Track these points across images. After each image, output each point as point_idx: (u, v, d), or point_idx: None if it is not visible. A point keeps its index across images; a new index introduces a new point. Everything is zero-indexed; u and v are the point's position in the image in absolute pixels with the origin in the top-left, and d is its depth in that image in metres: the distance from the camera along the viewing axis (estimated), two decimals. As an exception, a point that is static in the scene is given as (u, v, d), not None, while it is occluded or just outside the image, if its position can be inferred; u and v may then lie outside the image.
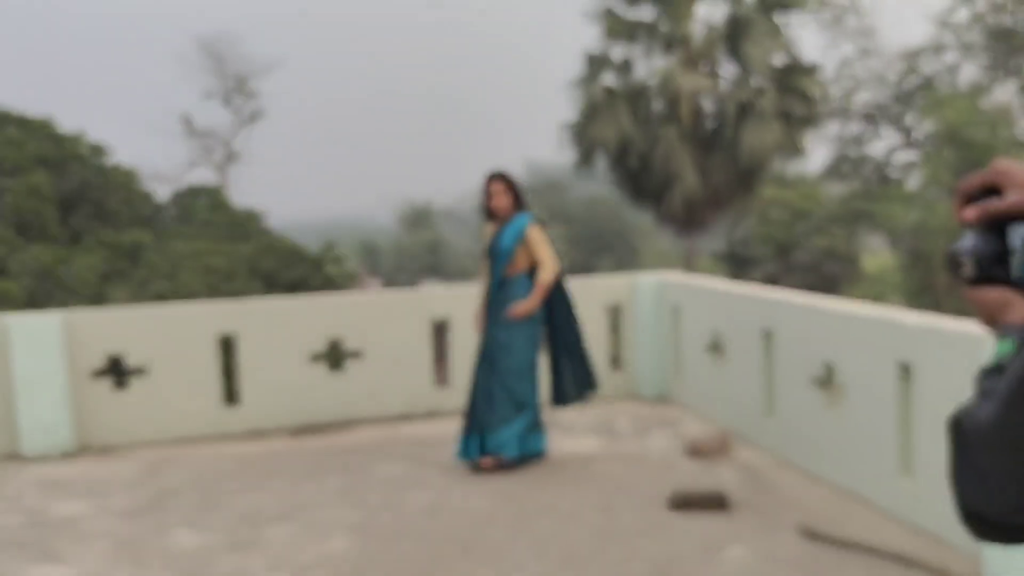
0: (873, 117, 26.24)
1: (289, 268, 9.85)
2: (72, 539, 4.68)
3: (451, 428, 6.04)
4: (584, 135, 16.54)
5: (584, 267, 38.65)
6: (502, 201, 5.56)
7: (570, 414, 6.91)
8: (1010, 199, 1.09)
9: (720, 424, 6.29)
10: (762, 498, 4.86)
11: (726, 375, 6.23)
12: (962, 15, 24.34)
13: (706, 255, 24.44)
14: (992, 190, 1.13)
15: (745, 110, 15.97)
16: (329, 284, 9.96)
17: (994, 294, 1.12)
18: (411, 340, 6.80)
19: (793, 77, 16.69)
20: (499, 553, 4.27)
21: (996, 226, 1.12)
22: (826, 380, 5.09)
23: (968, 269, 1.14)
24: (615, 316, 7.66)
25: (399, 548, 4.39)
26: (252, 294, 8.49)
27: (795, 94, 16.64)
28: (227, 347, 6.76)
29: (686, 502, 4.68)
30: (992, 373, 1.04)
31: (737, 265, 27.24)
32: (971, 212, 1.13)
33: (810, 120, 17.11)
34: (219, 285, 8.15)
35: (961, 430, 1.02)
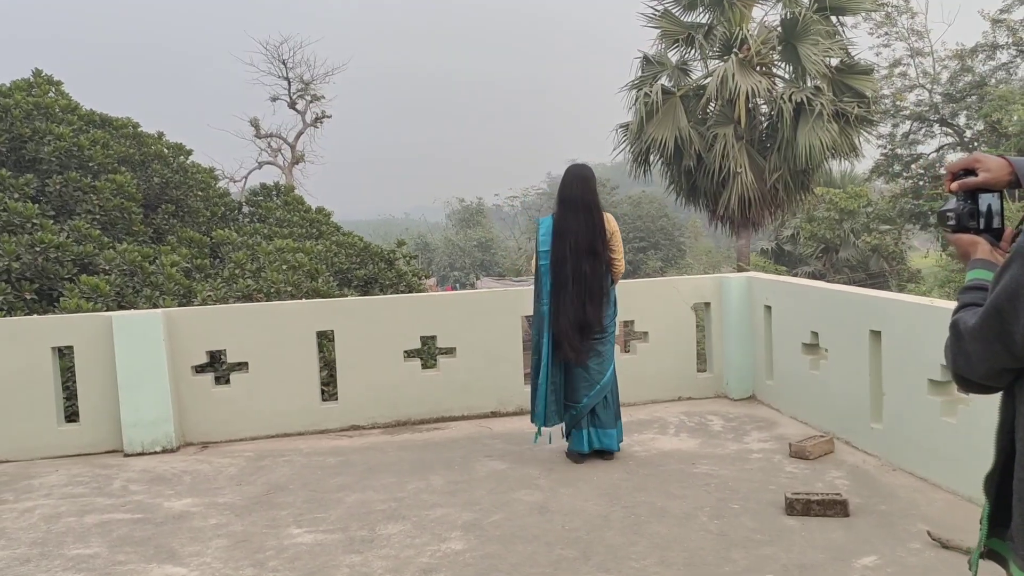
0: (924, 116, 25.87)
1: (361, 265, 9.91)
2: (188, 537, 4.67)
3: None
4: (640, 135, 16.44)
5: (632, 263, 38.65)
6: None
7: (660, 411, 6.90)
8: (980, 177, 1.84)
9: (817, 425, 6.22)
10: (879, 503, 4.80)
11: (825, 376, 6.16)
12: (1019, 13, 23.89)
13: (754, 253, 24.23)
14: (969, 171, 1.86)
15: (801, 110, 15.77)
16: (400, 281, 10.01)
17: (967, 238, 1.87)
18: (502, 337, 6.81)
19: (848, 77, 16.44)
20: (620, 557, 4.23)
21: (971, 194, 1.87)
22: (941, 383, 5.01)
23: (952, 222, 1.89)
24: (703, 316, 7.63)
25: (519, 550, 4.37)
26: (333, 291, 8.55)
27: (851, 94, 16.41)
28: (324, 344, 6.82)
29: (806, 508, 4.63)
30: (967, 290, 1.78)
31: (784, 263, 27.05)
32: (955, 185, 1.88)
33: (866, 120, 16.84)
34: (302, 282, 8.21)
35: (957, 329, 1.70)
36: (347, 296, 8.49)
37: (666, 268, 36.98)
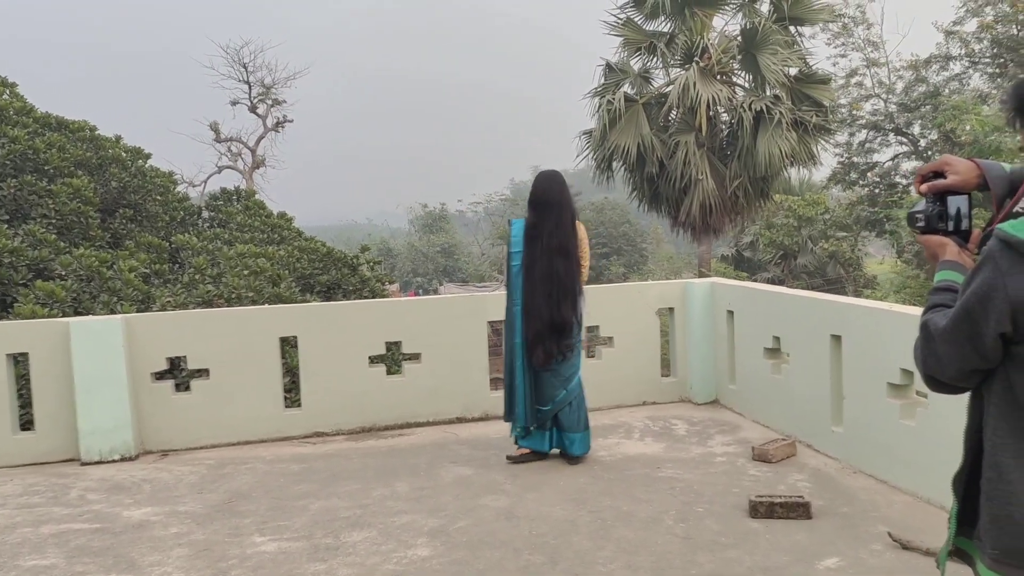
0: (879, 126, 26.40)
1: (324, 271, 9.83)
2: (148, 547, 4.58)
3: (508, 430, 6.02)
4: (603, 142, 16.54)
5: (594, 269, 38.85)
6: None
7: (625, 416, 6.94)
8: (949, 179, 1.90)
9: (779, 429, 6.29)
10: (841, 505, 4.86)
11: (787, 380, 6.24)
12: (970, 25, 24.49)
13: (715, 259, 24.50)
14: (939, 173, 1.93)
15: (760, 119, 15.99)
16: (364, 286, 9.95)
17: (936, 240, 1.92)
18: (467, 343, 6.80)
19: (807, 87, 16.73)
20: (587, 562, 4.24)
21: (940, 197, 1.92)
22: (900, 387, 5.10)
23: (921, 224, 1.94)
24: (667, 321, 7.68)
25: (486, 556, 4.35)
26: (296, 297, 8.47)
27: (809, 103, 16.69)
28: (287, 350, 6.74)
29: (769, 510, 4.68)
30: (936, 291, 1.82)
31: (744, 268, 27.41)
32: (924, 187, 1.93)
33: (823, 129, 17.14)
34: (264, 288, 8.11)
35: (928, 330, 1.73)
36: (310, 302, 8.41)
37: (629, 274, 37.22)
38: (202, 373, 6.51)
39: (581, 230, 5.76)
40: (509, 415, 5.77)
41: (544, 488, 5.32)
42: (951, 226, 1.93)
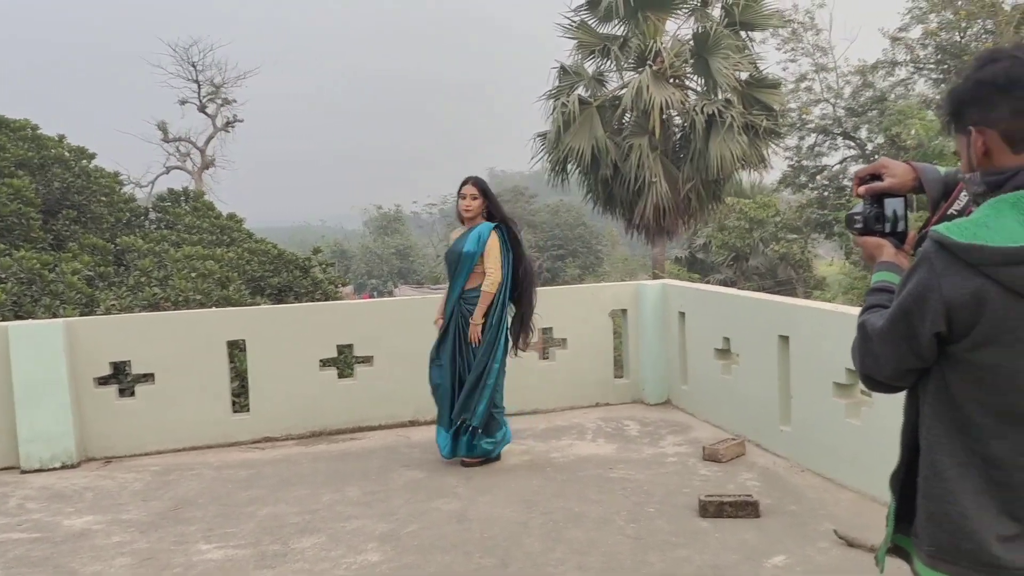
0: (828, 129, 26.90)
1: (275, 273, 9.70)
2: (89, 556, 4.48)
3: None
4: (558, 145, 16.60)
5: (550, 272, 38.94)
6: (471, 205, 5.69)
7: (578, 417, 6.95)
8: (886, 182, 1.95)
9: (729, 428, 6.36)
10: (789, 503, 4.93)
11: (736, 380, 6.30)
12: (915, 32, 25.09)
13: (668, 261, 24.74)
14: (876, 176, 1.97)
15: (712, 122, 16.18)
16: (316, 289, 9.84)
17: (873, 241, 1.94)
18: (421, 345, 6.72)
19: (757, 91, 16.97)
20: (539, 564, 4.23)
21: (878, 199, 1.95)
22: (846, 386, 5.18)
23: (859, 225, 1.97)
24: (620, 322, 7.72)
25: (436, 559, 4.33)
26: (245, 300, 8.34)
27: (759, 107, 16.93)
28: (235, 354, 6.63)
29: (719, 509, 4.72)
30: (873, 292, 1.84)
31: (697, 270, 27.72)
32: (862, 189, 1.97)
33: (773, 132, 17.41)
34: (212, 291, 7.97)
35: (865, 330, 1.75)
36: (260, 304, 8.29)
37: (584, 276, 37.42)
38: (147, 378, 6.37)
39: (492, 241, 5.63)
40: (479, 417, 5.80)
41: (497, 490, 5.31)
42: (888, 228, 1.96)
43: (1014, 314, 1.56)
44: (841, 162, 27.29)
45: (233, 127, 27.46)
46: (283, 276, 9.69)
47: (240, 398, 6.86)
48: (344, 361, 7.42)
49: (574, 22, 17.09)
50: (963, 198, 1.86)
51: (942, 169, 2.01)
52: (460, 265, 5.69)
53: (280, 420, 6.53)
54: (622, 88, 17.12)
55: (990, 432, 1.63)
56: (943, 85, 24.62)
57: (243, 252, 9.62)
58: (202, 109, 27.31)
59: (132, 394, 6.37)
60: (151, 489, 5.53)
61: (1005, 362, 1.59)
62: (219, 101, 27.36)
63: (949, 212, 1.87)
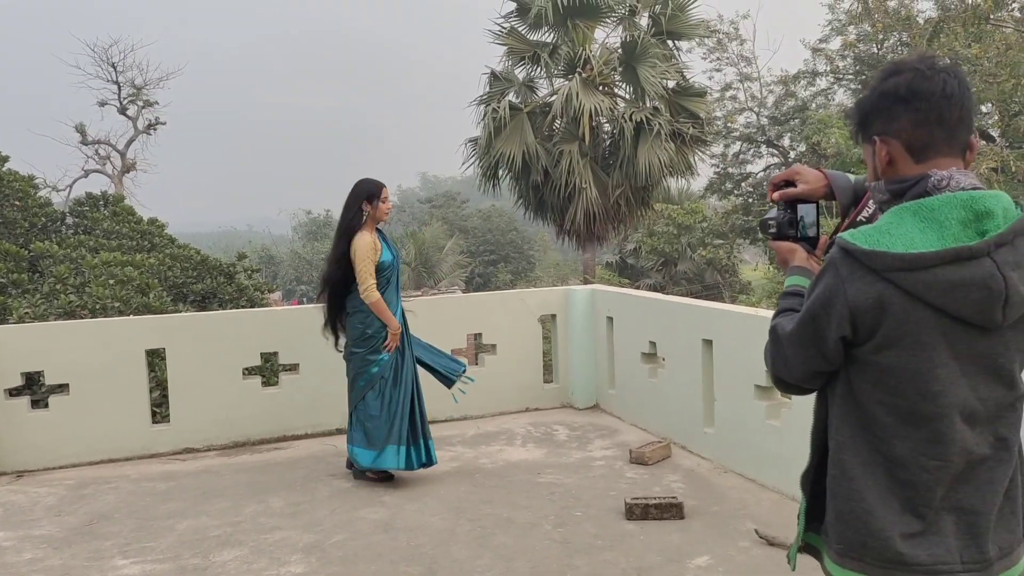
0: (752, 138, 27.58)
1: (199, 279, 9.47)
2: (-3, 572, 4.33)
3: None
4: (489, 150, 16.62)
5: (482, 277, 38.90)
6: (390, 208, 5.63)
7: (508, 423, 6.96)
8: (799, 188, 2.01)
9: (656, 431, 6.44)
10: (712, 504, 5.01)
11: (662, 383, 6.39)
12: (835, 43, 25.90)
13: (599, 266, 25.01)
14: (790, 182, 2.02)
15: (641, 129, 16.40)
16: (241, 295, 9.63)
17: (786, 246, 2.01)
18: (347, 354, 6.65)
19: (684, 99, 17.28)
20: (466, 571, 4.22)
21: (791, 204, 2.02)
22: (766, 388, 5.30)
23: (773, 230, 2.02)
24: (550, 327, 7.75)
25: (361, 570, 4.27)
26: (167, 307, 8.11)
27: (686, 115, 17.24)
28: (156, 363, 6.44)
29: (644, 512, 4.77)
30: (785, 296, 1.90)
31: (628, 275, 28.09)
32: (776, 194, 2.03)
33: (700, 140, 17.75)
34: (132, 298, 7.73)
35: (776, 334, 1.81)
36: (182, 312, 8.07)
37: (516, 281, 37.51)
38: (62, 388, 6.15)
39: (356, 239, 5.41)
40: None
41: (425, 498, 5.27)
42: (800, 233, 2.02)
43: (914, 318, 1.61)
44: (765, 169, 28.00)
45: (155, 130, 26.68)
46: (207, 282, 9.46)
47: (160, 408, 6.67)
48: (270, 369, 7.28)
49: (504, 28, 17.15)
50: (871, 205, 1.92)
51: (853, 177, 2.07)
52: (399, 274, 5.63)
53: (202, 430, 6.37)
54: (552, 95, 17.24)
55: (893, 432, 1.67)
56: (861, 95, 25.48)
57: (165, 258, 9.36)
58: (123, 111, 26.48)
59: (45, 405, 6.14)
60: (65, 504, 5.33)
61: (906, 364, 1.64)
62: (140, 103, 26.56)
63: (858, 219, 1.93)
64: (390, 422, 5.39)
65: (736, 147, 27.86)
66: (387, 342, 5.42)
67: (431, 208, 47.25)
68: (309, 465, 5.99)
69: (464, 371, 5.88)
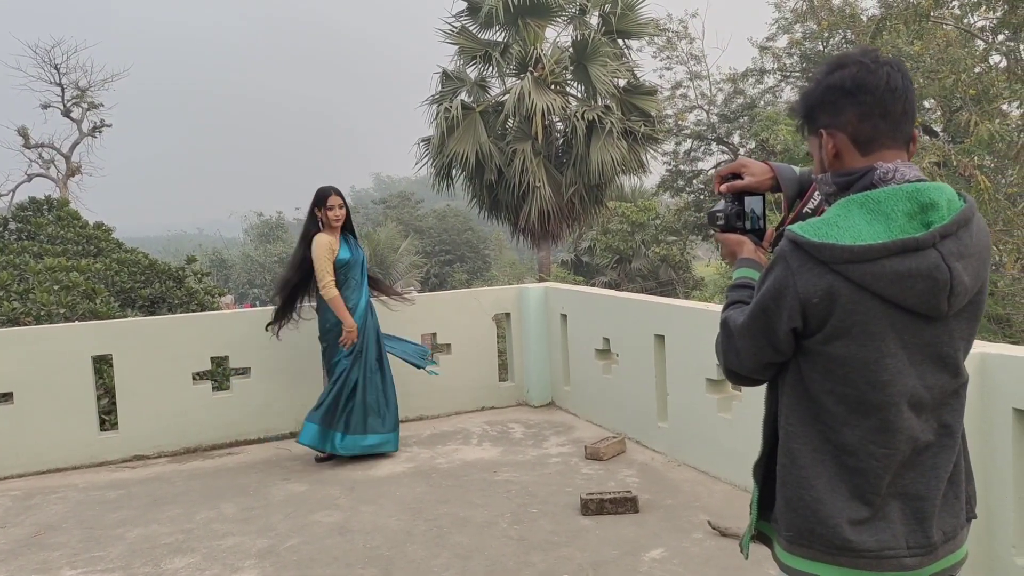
0: (703, 135, 27.91)
1: (147, 284, 9.30)
2: (-61, 588, 4.21)
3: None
4: (442, 150, 16.59)
5: (438, 277, 38.79)
6: (341, 215, 5.96)
7: (464, 422, 6.95)
8: (746, 180, 2.03)
9: (610, 427, 6.49)
10: (666, 498, 5.07)
11: (616, 379, 6.44)
12: (782, 41, 26.31)
13: (554, 265, 25.09)
14: (736, 175, 2.05)
15: (593, 128, 16.51)
16: (191, 299, 9.48)
17: (734, 238, 2.03)
18: (300, 355, 6.59)
19: (635, 98, 17.42)
20: (422, 571, 4.21)
21: (738, 197, 2.03)
22: (717, 382, 5.38)
23: (720, 222, 2.04)
24: (504, 326, 7.76)
25: (316, 573, 4.24)
26: (114, 312, 7.95)
27: (637, 113, 17.38)
28: (103, 369, 6.30)
29: (599, 507, 4.81)
30: (735, 288, 1.92)
31: (582, 273, 28.22)
32: (724, 187, 2.05)
33: (651, 138, 17.92)
34: (78, 304, 7.56)
35: (727, 327, 1.83)
36: (130, 317, 7.92)
37: (472, 280, 37.49)
38: (6, 398, 5.99)
39: (314, 241, 5.88)
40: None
41: (381, 500, 5.25)
42: (748, 225, 2.04)
43: (862, 308, 1.63)
44: (716, 166, 28.34)
45: (100, 132, 26.08)
46: (155, 287, 9.29)
47: (109, 416, 6.54)
48: (221, 373, 7.18)
49: (455, 27, 17.13)
50: (817, 197, 1.94)
51: (797, 169, 2.09)
52: (363, 273, 6.07)
53: (151, 437, 6.26)
54: (504, 94, 17.27)
55: (843, 421, 1.70)
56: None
57: (111, 263, 9.17)
58: (66, 114, 25.85)
59: (-12, 415, 5.97)
60: (11, 515, 5.20)
61: (855, 354, 1.66)
62: (85, 105, 25.94)
63: (804, 211, 1.95)
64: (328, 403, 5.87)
65: (687, 145, 28.18)
66: (342, 338, 5.83)
67: (385, 209, 47.02)
68: (262, 470, 5.92)
69: (429, 354, 6.38)
